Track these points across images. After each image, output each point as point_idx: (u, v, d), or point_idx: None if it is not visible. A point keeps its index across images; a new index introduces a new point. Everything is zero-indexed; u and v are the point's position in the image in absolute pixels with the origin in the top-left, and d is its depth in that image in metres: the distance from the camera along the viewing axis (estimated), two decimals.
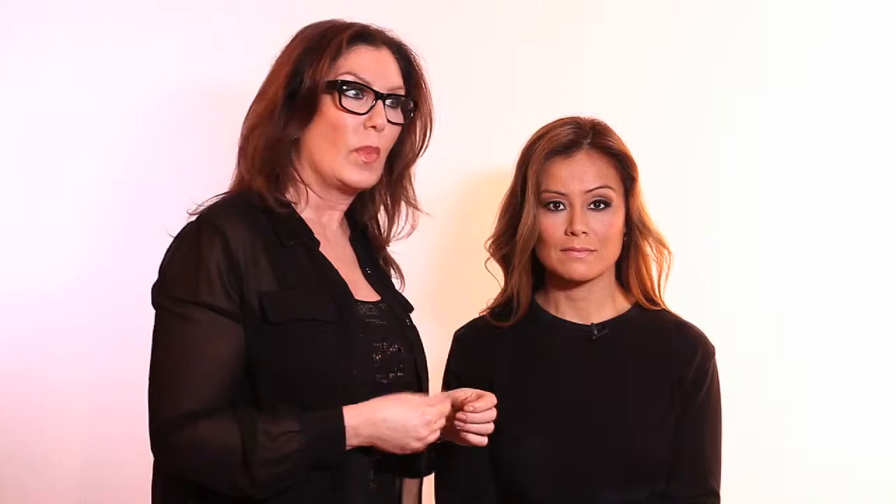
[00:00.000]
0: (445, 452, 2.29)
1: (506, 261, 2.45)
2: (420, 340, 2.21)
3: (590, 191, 2.37)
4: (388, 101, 2.11)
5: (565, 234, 2.36)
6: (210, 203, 2.07)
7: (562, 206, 2.37)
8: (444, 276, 2.92)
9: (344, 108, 2.08)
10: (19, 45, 2.86)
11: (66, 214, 2.85)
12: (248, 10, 2.91)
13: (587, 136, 2.40)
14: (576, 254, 2.36)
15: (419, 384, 2.16)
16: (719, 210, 2.94)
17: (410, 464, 2.16)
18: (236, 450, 1.91)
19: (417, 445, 2.02)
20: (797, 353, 2.93)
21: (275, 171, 2.08)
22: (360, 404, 1.99)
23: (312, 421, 1.95)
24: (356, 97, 2.09)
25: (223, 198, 2.08)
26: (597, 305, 2.43)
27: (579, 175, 2.37)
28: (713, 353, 2.44)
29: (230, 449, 1.91)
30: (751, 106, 2.94)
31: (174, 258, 2.01)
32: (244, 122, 2.10)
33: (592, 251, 2.36)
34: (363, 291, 2.15)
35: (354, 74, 2.09)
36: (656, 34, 2.95)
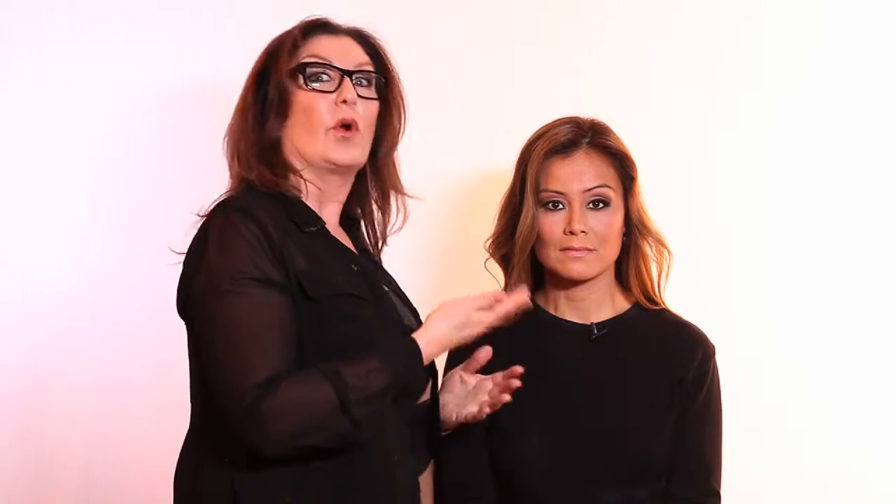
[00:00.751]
0: (445, 452, 2.29)
1: (505, 260, 2.45)
2: (415, 314, 2.24)
3: (588, 190, 2.37)
4: (355, 77, 2.13)
5: (564, 233, 2.36)
6: (232, 194, 2.09)
7: (561, 206, 2.37)
8: (444, 276, 2.92)
9: (311, 88, 2.10)
10: (18, 45, 2.86)
11: (66, 215, 2.85)
12: (248, 9, 2.91)
13: (586, 135, 2.40)
14: (575, 253, 2.36)
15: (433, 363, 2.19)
16: (719, 210, 2.94)
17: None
18: (331, 398, 1.91)
19: (477, 330, 2.08)
20: (797, 353, 2.93)
21: (271, 164, 2.09)
22: (419, 330, 2.05)
23: (389, 352, 1.98)
24: (322, 79, 2.11)
25: (241, 190, 2.09)
26: (596, 305, 2.43)
27: (578, 174, 2.37)
28: (713, 353, 2.43)
29: (325, 399, 1.91)
30: (751, 106, 2.94)
31: (209, 245, 1.98)
32: (227, 139, 2.13)
33: (591, 250, 2.36)
34: None
35: (315, 55, 2.11)
36: (656, 34, 2.95)
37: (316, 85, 2.10)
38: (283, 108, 2.10)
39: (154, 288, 2.83)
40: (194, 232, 2.07)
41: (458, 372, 2.27)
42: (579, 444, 2.34)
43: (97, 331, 2.85)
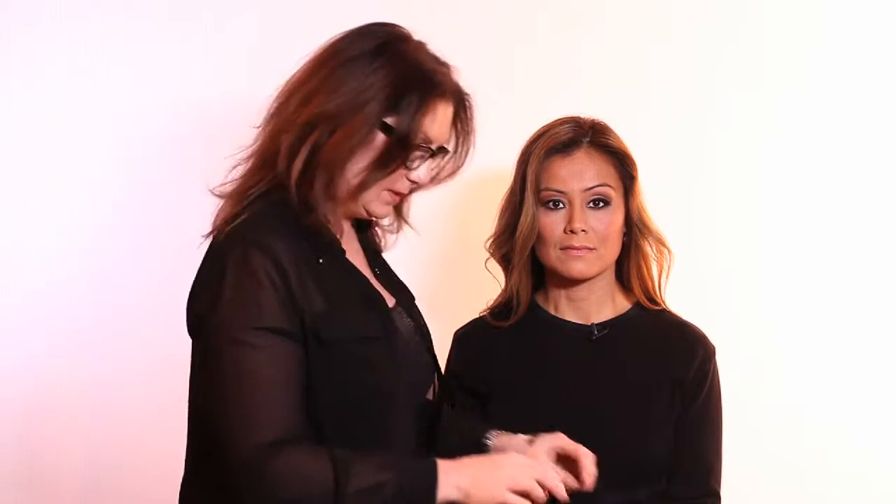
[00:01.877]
0: (448, 452, 2.30)
1: (506, 260, 2.45)
2: (429, 331, 2.19)
3: (589, 189, 2.37)
4: (438, 156, 2.08)
5: (564, 232, 2.36)
6: (244, 216, 1.97)
7: (561, 205, 2.37)
8: (444, 276, 2.92)
9: (408, 168, 2.03)
10: (18, 46, 2.86)
11: (67, 216, 2.85)
12: (250, 9, 2.91)
13: (587, 134, 2.40)
14: (575, 252, 2.36)
15: (437, 375, 2.16)
16: (719, 210, 2.94)
17: None
18: (328, 484, 1.86)
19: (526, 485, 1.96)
20: (797, 353, 2.93)
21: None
22: (462, 462, 1.95)
23: (406, 465, 1.92)
24: (420, 159, 2.05)
25: (257, 210, 1.98)
26: (597, 305, 2.43)
27: (578, 173, 2.37)
28: (713, 354, 2.44)
29: (322, 481, 1.87)
30: (751, 106, 2.94)
31: (225, 282, 1.92)
32: (296, 118, 1.97)
33: (592, 249, 2.36)
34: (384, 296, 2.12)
35: (432, 141, 2.03)
36: (656, 34, 2.96)
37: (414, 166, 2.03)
38: (380, 152, 2.00)
39: (154, 288, 2.84)
40: (201, 237, 2.03)
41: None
42: (579, 443, 2.34)
43: (97, 331, 2.85)
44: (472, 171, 2.88)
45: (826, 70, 2.94)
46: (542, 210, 2.38)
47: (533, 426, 2.35)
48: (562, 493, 2.00)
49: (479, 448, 2.17)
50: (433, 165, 2.07)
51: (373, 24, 2.05)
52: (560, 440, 2.13)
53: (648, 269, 2.45)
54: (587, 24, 2.96)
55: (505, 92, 2.92)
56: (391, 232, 2.19)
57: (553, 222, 2.37)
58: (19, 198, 2.85)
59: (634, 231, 2.42)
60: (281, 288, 1.92)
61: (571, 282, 2.41)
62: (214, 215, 2.04)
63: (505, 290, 2.47)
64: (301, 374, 1.92)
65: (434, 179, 2.10)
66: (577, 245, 2.35)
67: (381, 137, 1.98)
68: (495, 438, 2.19)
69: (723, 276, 2.93)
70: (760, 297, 2.94)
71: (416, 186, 2.06)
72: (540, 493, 1.97)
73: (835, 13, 2.94)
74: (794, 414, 2.92)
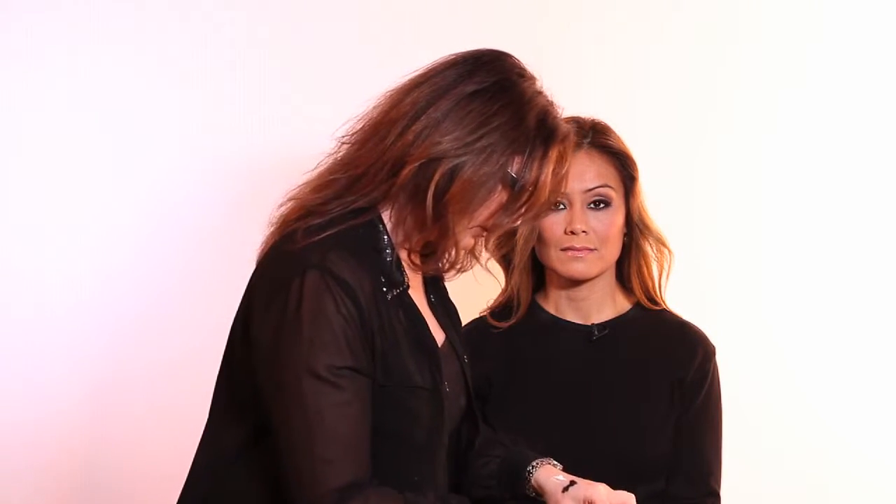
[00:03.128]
0: None
1: (506, 260, 2.45)
2: (468, 365, 2.17)
3: (589, 190, 2.37)
4: None
5: (565, 233, 2.36)
6: (328, 232, 1.92)
7: (561, 206, 2.37)
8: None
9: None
10: (18, 44, 2.86)
11: (68, 217, 2.84)
12: (252, 8, 2.91)
13: (587, 135, 2.40)
14: (576, 253, 2.36)
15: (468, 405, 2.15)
16: (719, 210, 2.94)
17: None
18: None
19: None
20: (797, 353, 2.93)
21: None
22: None
23: None
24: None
25: (343, 230, 1.93)
26: (597, 305, 2.43)
27: (579, 174, 2.37)
28: (713, 354, 2.43)
29: None
30: (751, 105, 2.94)
31: (303, 314, 1.87)
32: (417, 149, 1.92)
33: (592, 250, 2.36)
34: (436, 333, 2.07)
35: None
36: (656, 34, 2.96)
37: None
38: (514, 214, 1.97)
39: (154, 288, 2.84)
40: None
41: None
42: (579, 443, 2.34)
43: (97, 331, 2.85)
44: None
45: (826, 69, 2.94)
46: None
47: (533, 426, 2.36)
48: None
49: (519, 476, 2.12)
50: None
51: (486, 54, 2.00)
52: (596, 493, 2.06)
53: (649, 270, 2.44)
54: (587, 24, 2.96)
55: None
56: (462, 269, 2.12)
57: (554, 223, 2.37)
58: (20, 200, 2.84)
59: (635, 231, 2.42)
60: (357, 323, 1.88)
61: (572, 282, 2.41)
62: (286, 213, 1.99)
63: (505, 291, 2.47)
64: (370, 409, 1.90)
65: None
66: (577, 246, 2.35)
67: (505, 185, 1.94)
68: (537, 470, 2.13)
69: (723, 276, 2.93)
70: (760, 297, 2.94)
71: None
72: None
73: (834, 12, 2.94)
74: (793, 414, 2.92)
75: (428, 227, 1.95)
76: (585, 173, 2.37)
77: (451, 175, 1.91)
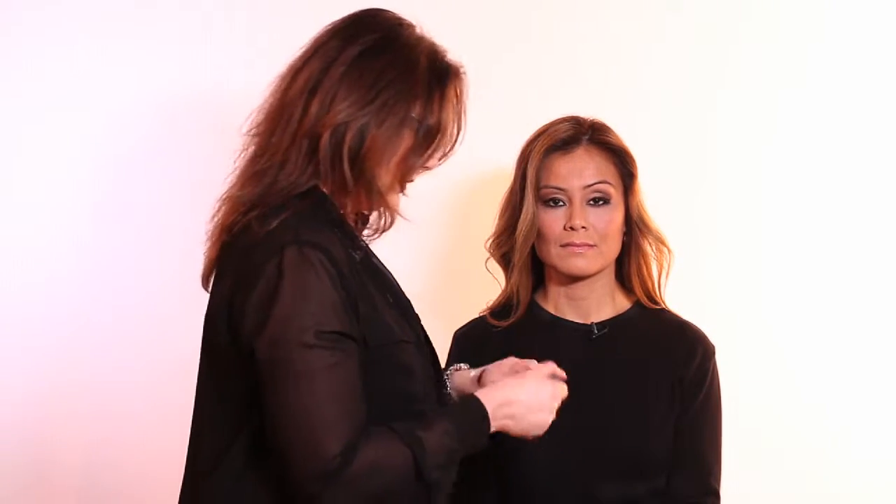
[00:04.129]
0: None
1: (506, 260, 2.45)
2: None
3: (589, 186, 2.37)
4: None
5: (564, 229, 2.36)
6: (283, 215, 1.94)
7: (561, 203, 2.38)
8: (444, 276, 2.92)
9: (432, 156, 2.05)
10: (18, 46, 2.86)
11: (67, 216, 2.85)
12: (249, 8, 2.91)
13: (586, 132, 2.41)
14: (575, 249, 2.36)
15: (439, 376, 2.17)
16: (719, 210, 2.94)
17: None
18: (408, 463, 1.88)
19: (550, 418, 2.05)
20: (797, 352, 2.93)
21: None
22: (486, 390, 2.02)
23: (459, 415, 1.97)
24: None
25: (299, 209, 1.95)
26: (597, 304, 2.43)
27: (578, 171, 2.37)
28: (713, 353, 2.44)
29: (403, 464, 1.87)
30: (751, 106, 2.94)
31: (284, 286, 1.89)
32: (325, 122, 1.95)
33: (592, 246, 2.36)
34: None
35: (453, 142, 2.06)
36: (656, 34, 2.95)
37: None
38: (423, 156, 2.02)
39: (153, 288, 2.84)
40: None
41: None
42: (579, 442, 2.34)
43: (97, 331, 2.85)
44: (472, 170, 2.90)
45: (827, 70, 2.94)
46: (542, 208, 2.38)
47: None
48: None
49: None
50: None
51: (362, 15, 2.05)
52: (511, 361, 2.16)
53: (648, 269, 2.45)
54: (587, 24, 2.96)
55: (505, 92, 2.92)
56: (381, 230, 2.13)
57: (553, 220, 2.37)
58: (19, 199, 2.84)
59: (634, 230, 2.42)
60: (341, 289, 1.90)
61: (571, 280, 2.41)
62: (219, 216, 2.01)
63: (505, 290, 2.47)
64: (361, 372, 1.91)
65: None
66: (577, 242, 2.36)
67: (410, 130, 1.99)
68: (451, 379, 2.22)
69: (723, 276, 2.93)
70: (760, 297, 2.93)
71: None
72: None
73: (835, 12, 2.94)
74: (793, 413, 2.92)
75: (353, 192, 1.98)
76: (584, 170, 2.38)
77: (361, 136, 1.96)
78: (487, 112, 2.92)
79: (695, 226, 2.89)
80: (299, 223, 1.93)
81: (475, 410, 1.97)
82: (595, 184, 2.37)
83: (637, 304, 2.45)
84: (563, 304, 2.44)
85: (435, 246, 2.90)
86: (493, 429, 1.98)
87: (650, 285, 2.44)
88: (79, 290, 2.84)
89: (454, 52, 2.86)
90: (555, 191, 2.37)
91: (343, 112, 1.95)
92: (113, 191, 2.86)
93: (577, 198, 2.36)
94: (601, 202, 2.38)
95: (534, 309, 2.43)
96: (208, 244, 2.02)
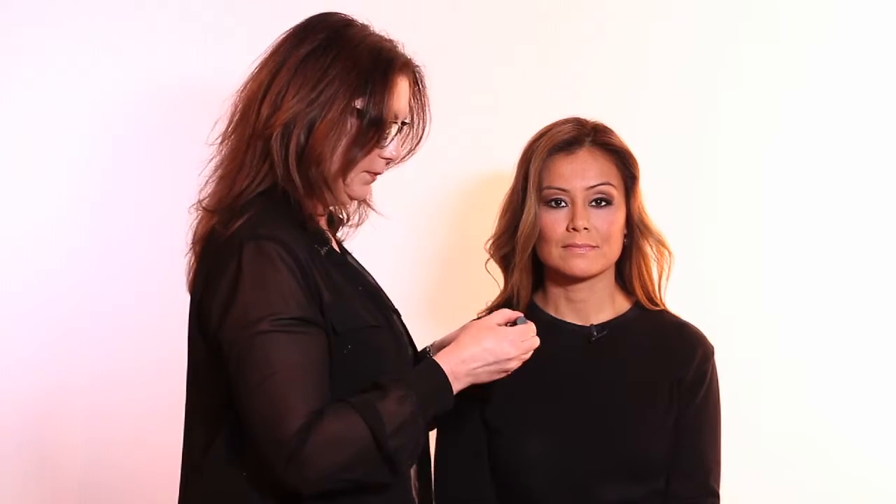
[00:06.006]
0: (446, 451, 2.30)
1: (506, 261, 2.45)
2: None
3: (591, 187, 2.37)
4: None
5: (567, 230, 2.36)
6: (246, 216, 1.99)
7: (563, 203, 2.38)
8: (444, 276, 2.92)
9: (381, 146, 2.08)
10: (17, 45, 2.86)
11: (65, 215, 2.84)
12: (241, 5, 2.91)
13: (589, 133, 2.41)
14: (577, 250, 2.36)
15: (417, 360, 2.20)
16: (719, 210, 2.94)
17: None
18: (365, 433, 1.91)
19: (515, 365, 2.09)
20: (796, 353, 2.93)
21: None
22: (444, 351, 2.05)
23: (415, 380, 1.99)
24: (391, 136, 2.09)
25: (259, 209, 2.00)
26: (596, 306, 2.43)
27: (581, 172, 2.37)
28: (712, 354, 2.44)
29: (360, 435, 1.91)
30: (751, 106, 2.94)
31: (243, 279, 1.94)
32: (274, 122, 2.01)
33: (594, 247, 2.36)
34: None
35: (398, 116, 2.08)
36: (656, 34, 2.95)
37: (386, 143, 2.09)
38: (366, 145, 2.05)
39: (153, 287, 2.84)
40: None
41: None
42: (579, 444, 2.34)
43: (96, 331, 2.85)
44: (472, 171, 2.90)
45: (828, 70, 2.93)
46: (543, 209, 2.38)
47: (532, 426, 2.36)
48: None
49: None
50: (402, 141, 2.12)
51: (312, 18, 2.10)
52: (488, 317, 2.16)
53: (649, 270, 2.44)
54: (587, 24, 2.96)
55: (505, 92, 2.92)
56: (355, 225, 2.22)
57: (555, 220, 2.37)
58: (16, 198, 2.84)
59: (636, 232, 2.42)
60: (300, 277, 1.95)
61: (572, 281, 2.40)
62: (196, 226, 2.07)
63: (504, 291, 2.46)
64: (326, 356, 1.95)
65: (403, 156, 2.15)
66: (579, 242, 2.35)
67: (353, 122, 2.03)
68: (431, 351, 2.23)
69: (723, 276, 2.93)
70: (760, 297, 2.93)
71: (390, 162, 2.11)
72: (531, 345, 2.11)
73: (836, 13, 2.93)
74: (793, 414, 2.92)
75: (309, 188, 2.03)
76: (587, 171, 2.37)
77: (308, 131, 2.01)
78: (487, 112, 2.94)
79: (695, 226, 2.89)
80: (258, 221, 1.98)
81: (432, 372, 2.00)
82: (598, 185, 2.37)
83: (636, 306, 2.45)
84: (562, 306, 2.44)
85: (434, 247, 2.90)
86: (457, 389, 2.02)
87: (650, 287, 2.44)
88: (78, 290, 2.84)
89: (456, 52, 2.88)
90: (557, 192, 2.37)
91: (290, 111, 2.01)
92: (112, 189, 2.86)
93: (580, 199, 2.36)
94: (603, 203, 2.38)
95: (533, 310, 2.43)
96: (190, 255, 2.09)
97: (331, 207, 2.14)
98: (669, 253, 2.44)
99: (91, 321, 2.84)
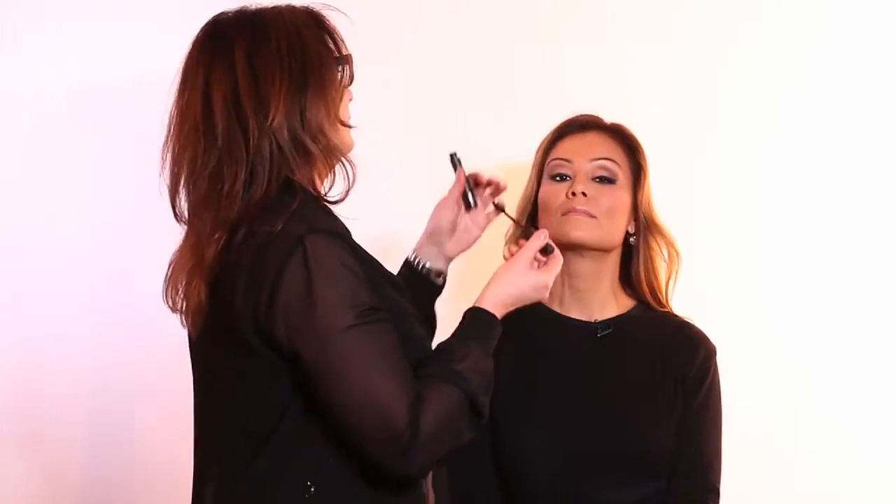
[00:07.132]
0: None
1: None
2: None
3: (595, 160, 2.38)
4: None
5: (566, 197, 2.36)
6: (293, 212, 1.97)
7: (567, 178, 2.38)
8: (449, 271, 2.92)
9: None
10: (16, 44, 2.86)
11: (65, 215, 2.85)
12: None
13: (601, 122, 2.42)
14: (575, 214, 2.36)
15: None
16: (719, 210, 2.94)
17: None
18: (462, 400, 1.96)
19: (545, 294, 2.15)
20: (797, 353, 2.93)
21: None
22: (484, 293, 2.11)
23: (478, 333, 2.05)
24: None
25: (299, 205, 1.98)
26: (600, 302, 2.43)
27: (587, 146, 2.39)
28: (714, 353, 2.44)
29: (459, 402, 1.96)
30: (751, 106, 2.94)
31: (315, 278, 1.92)
32: (269, 122, 1.99)
33: (592, 217, 2.36)
34: None
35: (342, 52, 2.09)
36: (656, 34, 2.96)
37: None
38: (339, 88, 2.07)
39: (153, 287, 2.83)
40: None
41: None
42: (582, 441, 2.35)
43: (96, 331, 2.85)
44: (472, 171, 2.89)
45: (827, 69, 2.94)
46: (547, 182, 2.40)
47: (535, 423, 2.36)
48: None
49: (420, 276, 2.31)
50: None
51: (218, 19, 2.07)
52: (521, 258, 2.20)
53: (655, 270, 2.45)
54: (588, 24, 2.96)
55: (505, 92, 2.93)
56: (348, 189, 2.16)
57: (558, 191, 2.38)
58: (16, 197, 2.84)
59: (644, 228, 2.42)
60: (360, 268, 1.96)
61: (574, 263, 2.39)
62: (206, 254, 1.99)
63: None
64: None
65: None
66: (578, 207, 2.35)
67: (336, 75, 2.04)
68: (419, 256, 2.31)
69: (723, 276, 2.93)
70: (760, 296, 2.94)
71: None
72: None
73: (836, 12, 2.94)
74: (793, 413, 2.92)
75: (313, 163, 2.01)
76: (593, 146, 2.39)
77: (302, 113, 2.00)
78: (487, 111, 2.94)
79: (695, 226, 2.89)
80: (304, 216, 1.95)
81: (487, 320, 2.07)
82: (602, 159, 2.38)
83: (640, 304, 2.45)
84: (567, 301, 2.44)
85: None
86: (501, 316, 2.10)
87: (658, 287, 2.45)
88: (78, 290, 2.84)
89: (456, 53, 2.88)
90: (561, 162, 2.38)
91: (281, 107, 1.98)
92: (113, 188, 2.86)
93: (583, 171, 2.37)
94: (606, 181, 2.38)
95: (538, 306, 2.43)
96: (188, 288, 2.01)
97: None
98: (678, 255, 2.45)
99: (91, 321, 2.84)
